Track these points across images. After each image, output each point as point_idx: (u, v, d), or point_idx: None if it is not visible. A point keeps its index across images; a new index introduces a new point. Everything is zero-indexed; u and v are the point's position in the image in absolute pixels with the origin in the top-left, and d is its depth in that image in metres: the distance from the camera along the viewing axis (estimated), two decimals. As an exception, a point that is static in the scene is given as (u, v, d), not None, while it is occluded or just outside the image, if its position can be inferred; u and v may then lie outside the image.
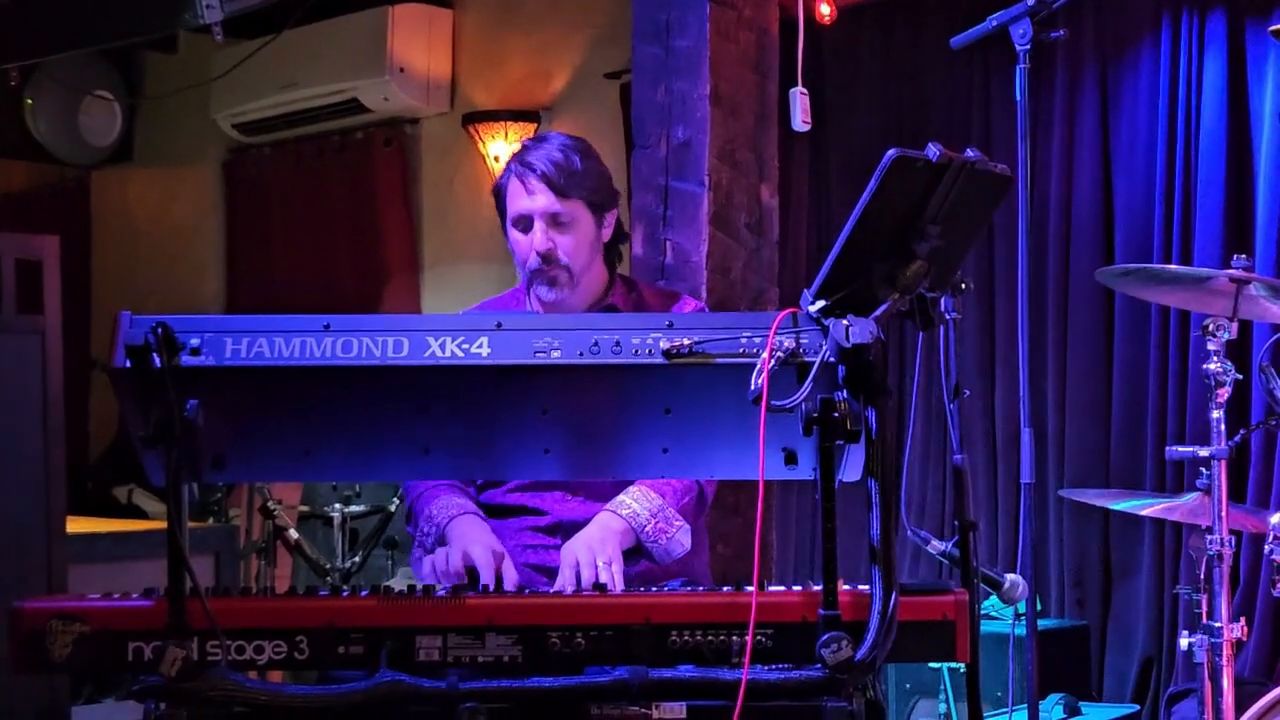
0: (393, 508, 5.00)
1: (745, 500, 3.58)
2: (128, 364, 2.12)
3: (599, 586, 2.55)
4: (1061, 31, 3.30)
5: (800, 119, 3.87)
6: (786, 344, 2.14)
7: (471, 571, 2.71)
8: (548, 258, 2.95)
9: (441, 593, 2.26)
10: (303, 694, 2.16)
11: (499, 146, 6.23)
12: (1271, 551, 3.36)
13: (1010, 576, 2.45)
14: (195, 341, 2.14)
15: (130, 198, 8.20)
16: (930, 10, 5.42)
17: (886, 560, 2.11)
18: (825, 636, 2.11)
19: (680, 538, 2.82)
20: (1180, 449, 3.27)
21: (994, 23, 3.33)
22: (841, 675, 2.10)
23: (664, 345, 2.17)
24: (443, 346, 2.17)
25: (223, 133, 7.35)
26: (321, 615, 2.19)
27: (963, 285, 2.32)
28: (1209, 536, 3.21)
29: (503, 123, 6.27)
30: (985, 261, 5.19)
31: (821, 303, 2.15)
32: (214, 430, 2.16)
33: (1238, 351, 3.54)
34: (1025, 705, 3.25)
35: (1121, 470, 4.90)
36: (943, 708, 4.33)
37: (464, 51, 6.71)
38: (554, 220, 2.95)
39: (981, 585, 2.43)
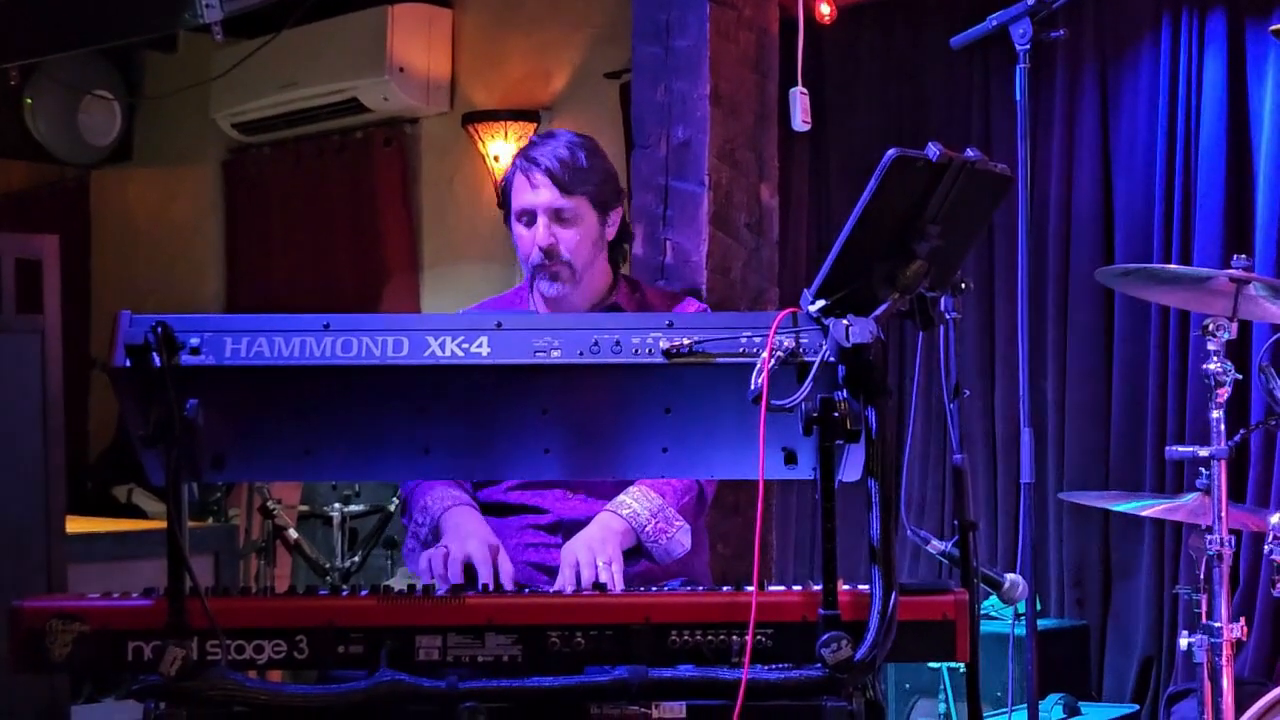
0: (392, 507, 4.99)
1: (745, 500, 3.58)
2: (127, 363, 2.12)
3: (599, 586, 2.55)
4: (1061, 31, 3.30)
5: (800, 119, 3.87)
6: (786, 344, 2.14)
7: (469, 568, 2.70)
8: (550, 253, 2.95)
9: (441, 592, 2.26)
10: (302, 693, 2.15)
11: (499, 146, 6.23)
12: (1271, 551, 3.36)
13: (1010, 576, 2.45)
14: (195, 341, 2.14)
15: (130, 197, 8.20)
16: (930, 10, 5.42)
17: (886, 560, 2.11)
18: (825, 636, 2.11)
19: (680, 538, 2.82)
20: (1180, 449, 3.27)
21: (994, 22, 3.33)
22: (841, 675, 2.10)
23: (664, 345, 2.17)
24: (443, 346, 2.17)
25: (222, 132, 7.35)
26: (321, 615, 2.19)
27: (963, 285, 2.32)
28: (1209, 536, 3.21)
29: (502, 123, 6.27)
30: (985, 261, 5.19)
31: (821, 302, 2.15)
32: (214, 430, 2.15)
33: (1238, 351, 3.53)
34: (1025, 705, 3.25)
35: (1121, 470, 4.90)
36: (942, 708, 4.33)
37: (464, 51, 6.71)
38: (557, 215, 2.95)
39: (981, 585, 2.43)
